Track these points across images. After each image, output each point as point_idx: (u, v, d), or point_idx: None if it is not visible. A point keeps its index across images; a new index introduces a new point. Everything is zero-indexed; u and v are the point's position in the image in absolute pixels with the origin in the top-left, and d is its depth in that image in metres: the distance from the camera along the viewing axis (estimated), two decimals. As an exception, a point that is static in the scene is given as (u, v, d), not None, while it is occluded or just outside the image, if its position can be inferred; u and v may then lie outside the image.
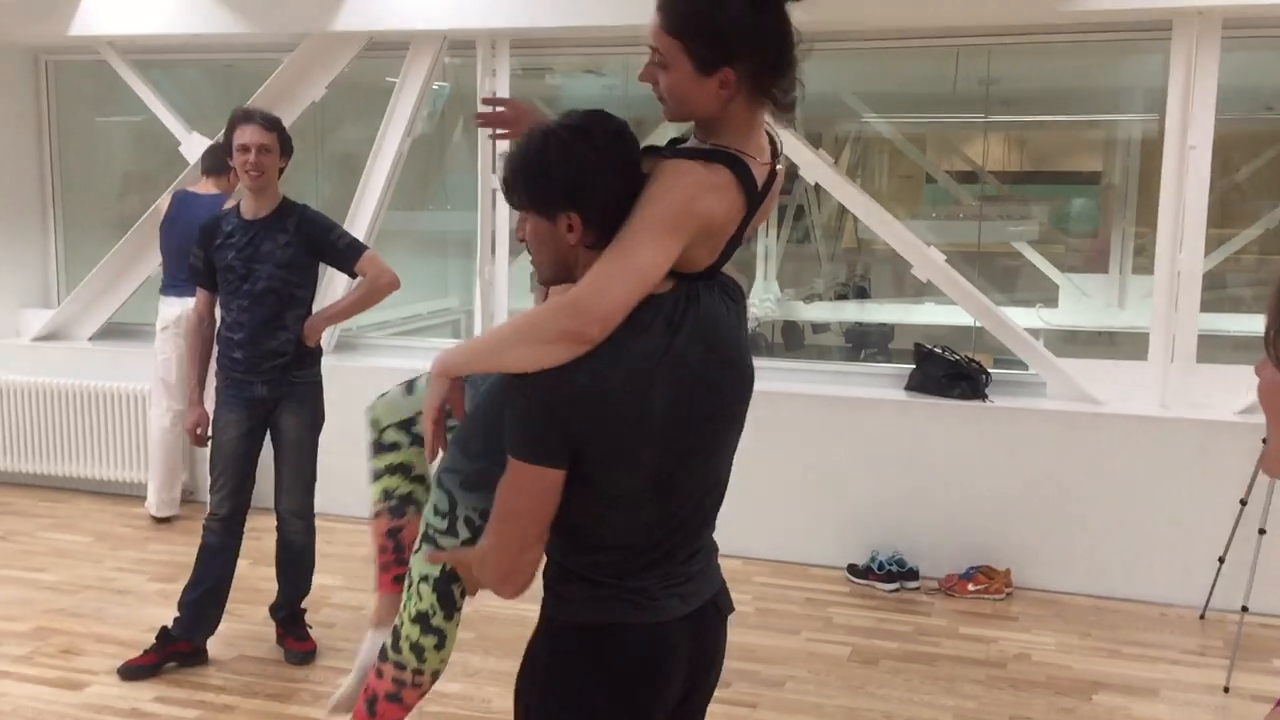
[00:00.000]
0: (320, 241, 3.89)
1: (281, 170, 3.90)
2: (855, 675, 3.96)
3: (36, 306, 6.40)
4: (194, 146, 5.79)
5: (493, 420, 1.80)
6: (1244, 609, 4.06)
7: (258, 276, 3.82)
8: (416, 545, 2.37)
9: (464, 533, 2.22)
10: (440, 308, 7.67)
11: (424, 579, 2.37)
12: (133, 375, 5.88)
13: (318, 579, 4.56)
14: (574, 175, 1.65)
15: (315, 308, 4.02)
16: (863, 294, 9.67)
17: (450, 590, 2.38)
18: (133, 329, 6.20)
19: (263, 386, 3.89)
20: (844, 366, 5.65)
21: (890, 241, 5.13)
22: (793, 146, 5.18)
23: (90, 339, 6.24)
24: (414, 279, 7.09)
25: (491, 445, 1.84)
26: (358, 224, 5.65)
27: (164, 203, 5.60)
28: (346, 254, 3.90)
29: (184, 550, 4.51)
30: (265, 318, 3.84)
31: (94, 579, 4.80)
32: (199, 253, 3.92)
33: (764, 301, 9.77)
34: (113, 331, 6.26)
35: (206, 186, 5.46)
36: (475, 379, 2.12)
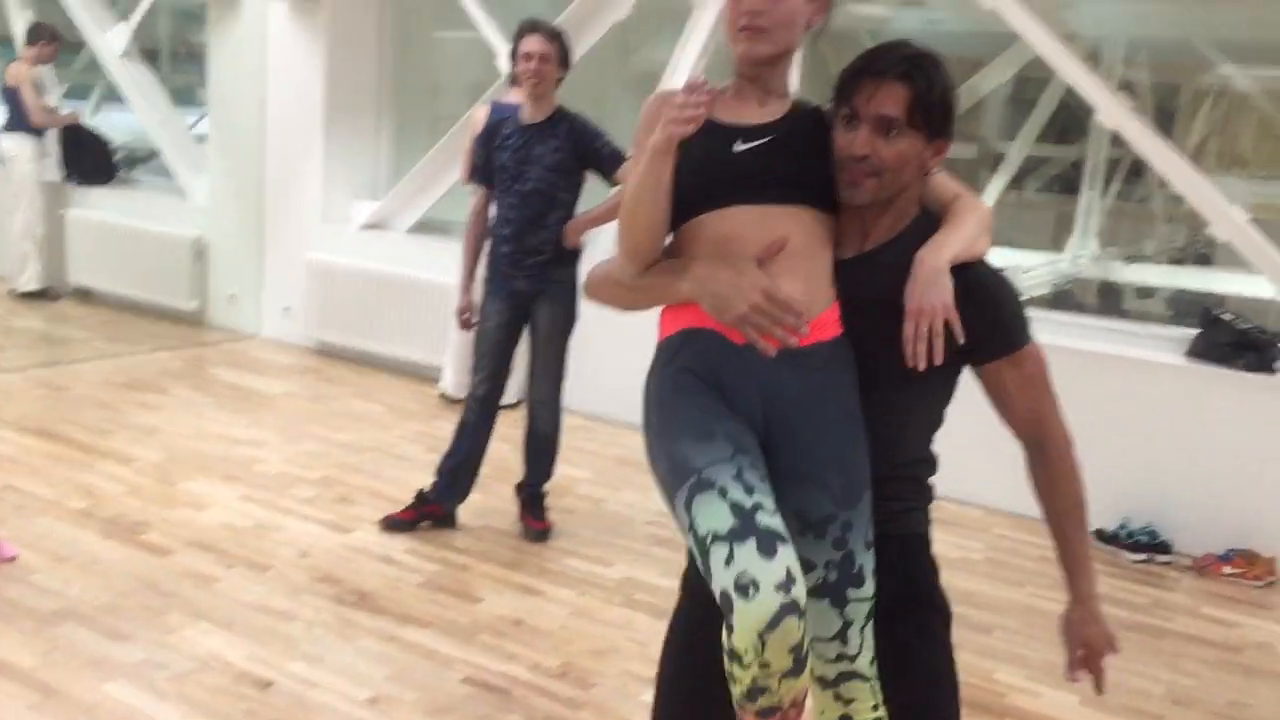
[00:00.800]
0: (587, 148, 4.12)
1: (560, 80, 4.15)
2: (1070, 635, 3.84)
3: (365, 199, 7.09)
4: (507, 60, 6.19)
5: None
6: None
7: (528, 178, 4.11)
8: None
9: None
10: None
11: None
12: (441, 267, 6.40)
13: (568, 470, 4.91)
14: (954, 106, 1.87)
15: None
16: (1204, 261, 8.97)
17: None
18: (445, 224, 6.75)
19: (523, 281, 4.19)
20: (1124, 325, 5.34)
21: (1187, 195, 4.77)
22: (1092, 88, 4.91)
23: (408, 230, 6.85)
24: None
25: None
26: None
27: (477, 111, 6.03)
28: (609, 161, 4.12)
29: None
30: (530, 217, 4.13)
31: (380, 443, 5.37)
32: (481, 151, 4.25)
33: (1077, 258, 9.27)
34: (427, 226, 6.83)
35: (515, 96, 5.84)
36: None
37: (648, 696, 3.20)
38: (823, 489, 1.80)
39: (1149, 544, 4.58)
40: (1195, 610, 4.18)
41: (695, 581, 1.90)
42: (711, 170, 1.83)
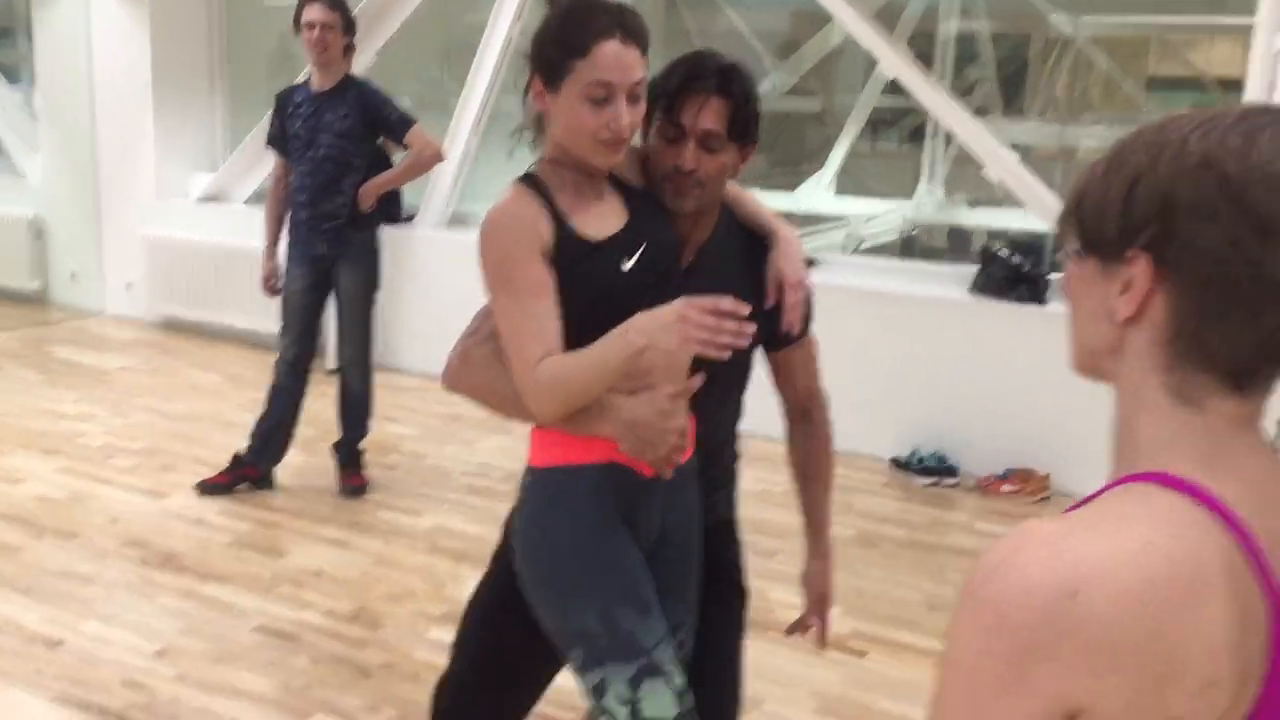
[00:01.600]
0: (375, 115, 4.24)
1: (348, 48, 4.26)
2: (847, 554, 4.11)
3: (204, 171, 7.09)
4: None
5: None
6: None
7: (319, 144, 4.22)
8: None
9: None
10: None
11: None
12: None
13: (395, 428, 5.07)
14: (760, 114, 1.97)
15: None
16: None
17: None
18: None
19: (323, 245, 4.32)
20: (914, 265, 5.64)
21: (963, 140, 5.07)
22: (872, 40, 5.16)
23: (245, 201, 6.88)
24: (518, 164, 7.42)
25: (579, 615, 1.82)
26: (467, 109, 6.01)
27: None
28: (397, 127, 4.25)
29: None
30: (324, 183, 4.25)
31: (212, 412, 5.46)
32: (275, 120, 4.35)
33: (922, 206, 9.61)
34: (265, 196, 6.85)
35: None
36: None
37: (434, 633, 3.42)
38: (682, 600, 1.94)
39: (937, 468, 4.90)
40: (970, 526, 4.50)
41: (510, 558, 1.95)
42: (612, 297, 1.77)
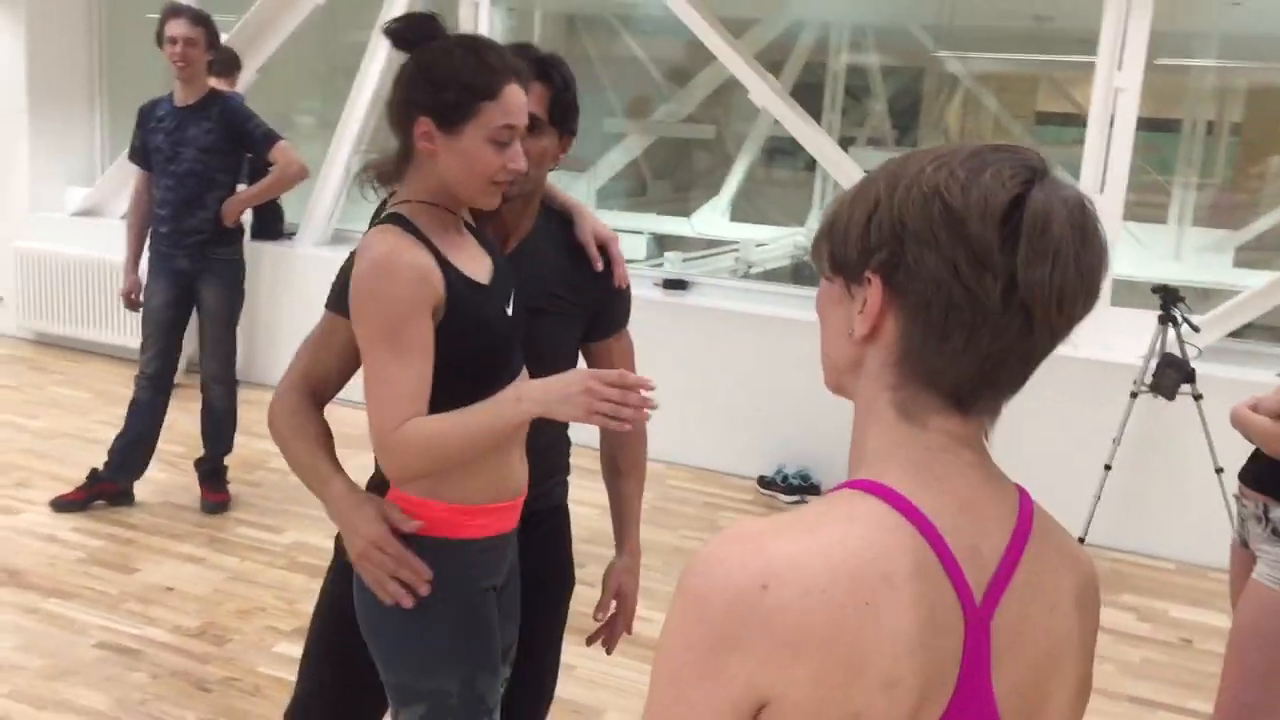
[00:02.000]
0: (239, 130, 4.24)
1: (212, 62, 4.25)
2: (704, 570, 4.20)
3: (80, 185, 6.97)
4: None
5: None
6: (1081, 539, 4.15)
7: (182, 159, 4.20)
8: None
9: None
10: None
11: None
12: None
13: (261, 444, 5.00)
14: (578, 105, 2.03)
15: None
16: None
17: None
18: (157, 210, 6.69)
19: (185, 259, 4.29)
20: (786, 288, 5.78)
21: (830, 169, 5.22)
22: (743, 71, 5.30)
23: (122, 217, 6.77)
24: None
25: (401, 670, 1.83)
26: (348, 128, 6.02)
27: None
28: (262, 142, 4.25)
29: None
30: (187, 197, 4.23)
31: (75, 429, 5.36)
32: (137, 133, 4.32)
33: (814, 232, 9.81)
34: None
35: (223, 84, 5.88)
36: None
37: (281, 648, 3.41)
38: (513, 619, 1.95)
39: (802, 485, 5.02)
40: (828, 543, 4.61)
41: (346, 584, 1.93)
42: (498, 341, 1.78)
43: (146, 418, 4.41)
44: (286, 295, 6.04)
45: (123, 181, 6.68)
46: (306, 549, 4.18)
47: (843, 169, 5.13)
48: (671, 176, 10.61)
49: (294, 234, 6.27)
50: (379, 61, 6.00)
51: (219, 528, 4.34)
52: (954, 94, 9.64)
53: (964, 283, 0.88)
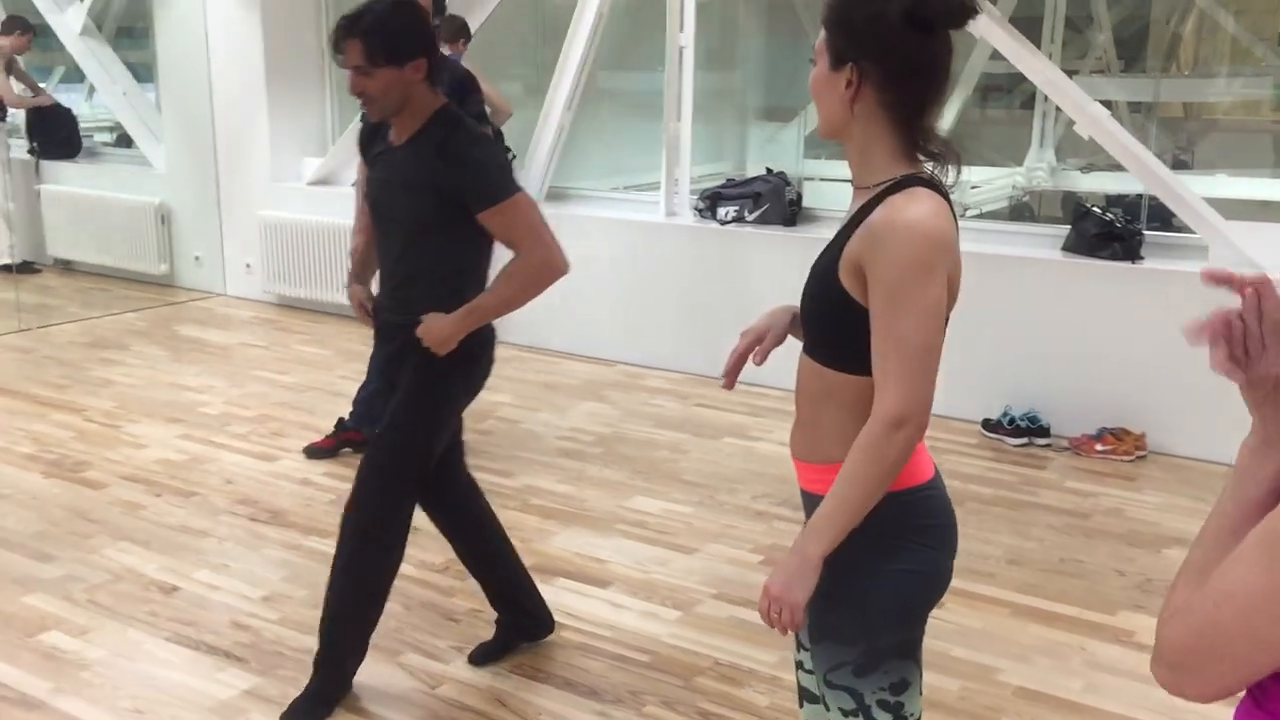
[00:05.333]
0: (463, 100, 4.40)
1: (438, 29, 4.42)
2: (930, 512, 4.14)
3: (314, 155, 7.39)
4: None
5: (847, 597, 1.75)
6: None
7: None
8: None
9: (883, 716, 1.79)
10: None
11: None
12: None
13: (491, 396, 5.21)
14: (408, 35, 2.55)
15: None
16: (1182, 166, 9.09)
17: None
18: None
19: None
20: (1006, 226, 5.59)
21: (1050, 94, 5.00)
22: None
23: (352, 184, 7.14)
24: (620, 140, 7.52)
25: (863, 620, 1.76)
26: (560, 87, 6.15)
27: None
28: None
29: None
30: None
31: (321, 383, 5.72)
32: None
33: (1033, 171, 9.42)
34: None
35: (451, 49, 6.11)
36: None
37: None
38: None
39: (1030, 428, 4.86)
40: (1059, 485, 4.47)
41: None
42: None
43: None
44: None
45: (351, 151, 7.03)
46: (537, 491, 4.34)
47: (1071, 99, 4.90)
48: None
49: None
50: (587, 22, 6.10)
51: (455, 472, 4.55)
52: (1186, 17, 9.04)
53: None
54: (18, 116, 8.33)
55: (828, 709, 1.84)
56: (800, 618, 1.70)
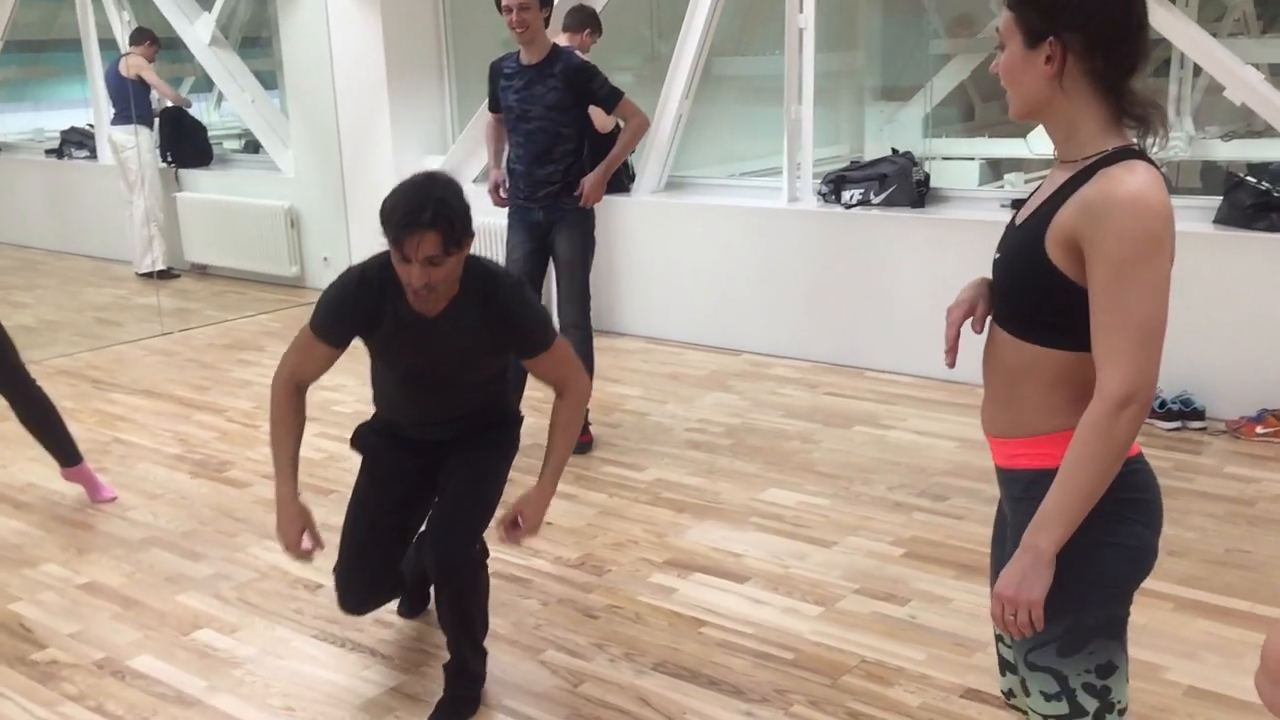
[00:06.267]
0: (583, 87, 4.38)
1: (546, 20, 4.41)
2: (1079, 501, 3.96)
3: (435, 154, 7.47)
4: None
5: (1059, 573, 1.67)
6: None
7: (531, 116, 4.40)
8: None
9: (1089, 701, 1.71)
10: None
11: None
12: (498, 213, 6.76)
13: (619, 389, 5.23)
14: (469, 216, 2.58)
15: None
16: None
17: None
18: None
19: (539, 212, 4.50)
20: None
21: (1197, 59, 4.74)
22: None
23: (474, 181, 7.20)
24: (734, 127, 7.42)
25: (1066, 596, 1.67)
26: (679, 69, 6.08)
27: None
28: (607, 100, 4.38)
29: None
30: (538, 153, 4.43)
31: (450, 379, 5.76)
32: (491, 87, 4.57)
33: (1170, 141, 9.02)
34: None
35: (570, 40, 6.10)
36: None
37: (656, 578, 3.54)
38: None
39: (1183, 411, 4.63)
40: (1218, 470, 4.24)
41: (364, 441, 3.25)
42: None
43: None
44: (625, 242, 6.21)
45: (470, 150, 7.10)
46: (669, 485, 4.30)
47: (1221, 63, 4.64)
48: (1002, 97, 10.05)
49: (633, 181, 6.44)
50: (704, 8, 6.02)
51: (585, 467, 4.54)
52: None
53: None
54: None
55: (1028, 694, 1.76)
56: (1040, 615, 1.65)
